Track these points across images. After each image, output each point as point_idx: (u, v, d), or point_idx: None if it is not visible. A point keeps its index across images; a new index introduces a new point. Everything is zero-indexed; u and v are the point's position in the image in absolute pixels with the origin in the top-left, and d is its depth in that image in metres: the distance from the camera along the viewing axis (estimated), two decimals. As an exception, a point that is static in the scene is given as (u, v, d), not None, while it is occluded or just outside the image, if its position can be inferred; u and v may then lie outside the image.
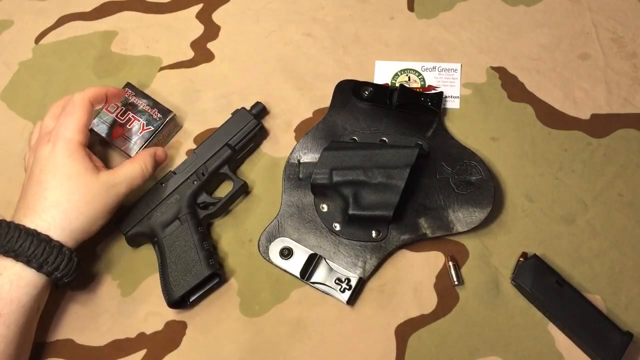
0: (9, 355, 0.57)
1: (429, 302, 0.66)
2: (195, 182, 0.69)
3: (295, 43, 0.80)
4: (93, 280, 0.69)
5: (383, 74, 0.78)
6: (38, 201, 0.60)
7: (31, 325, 0.61)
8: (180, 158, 0.74)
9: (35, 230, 0.58)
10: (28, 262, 0.57)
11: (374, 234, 0.67)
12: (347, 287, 0.65)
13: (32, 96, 0.80)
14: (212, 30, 0.82)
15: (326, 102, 0.75)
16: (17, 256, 0.57)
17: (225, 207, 0.70)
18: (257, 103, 0.75)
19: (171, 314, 0.67)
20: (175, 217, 0.68)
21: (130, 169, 0.64)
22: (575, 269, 0.66)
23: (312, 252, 0.67)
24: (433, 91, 0.75)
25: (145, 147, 0.72)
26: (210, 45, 0.81)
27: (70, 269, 0.60)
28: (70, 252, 0.60)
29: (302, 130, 0.74)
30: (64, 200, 0.60)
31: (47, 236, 0.58)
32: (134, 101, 0.74)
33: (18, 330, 0.58)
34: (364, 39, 0.80)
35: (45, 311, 0.66)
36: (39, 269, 0.58)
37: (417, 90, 0.76)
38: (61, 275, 0.59)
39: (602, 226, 0.68)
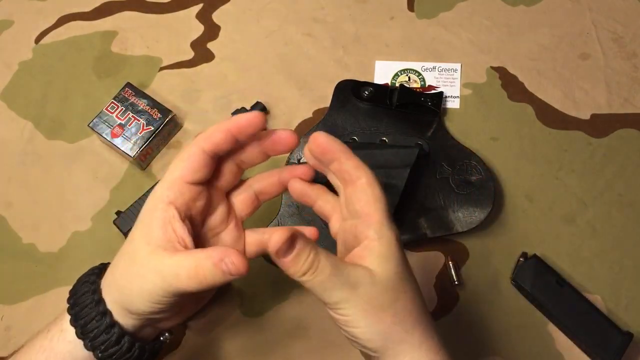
0: None
1: (429, 302, 0.66)
2: (195, 182, 0.69)
3: (295, 43, 0.80)
4: (93, 280, 0.69)
5: (383, 74, 0.78)
6: (114, 260, 0.48)
7: None
8: (180, 158, 0.74)
9: (105, 308, 0.46)
10: (82, 337, 0.46)
11: (374, 234, 0.67)
12: (347, 287, 0.65)
13: (32, 96, 0.80)
14: (212, 30, 0.82)
15: (326, 102, 0.75)
16: (75, 321, 0.46)
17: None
18: (257, 103, 0.75)
19: (171, 314, 0.67)
20: (175, 217, 0.68)
21: (182, 262, 0.43)
22: (575, 269, 0.66)
23: (312, 252, 0.67)
24: (433, 91, 0.75)
25: (145, 147, 0.72)
26: (210, 45, 0.81)
27: (125, 358, 0.47)
28: (131, 343, 0.46)
29: (302, 130, 0.74)
30: (115, 265, 0.47)
31: (112, 319, 0.46)
32: (134, 101, 0.74)
33: None
34: (364, 39, 0.80)
35: (46, 311, 0.66)
36: (90, 349, 0.46)
37: (417, 90, 0.76)
38: (104, 356, 0.47)
39: (602, 226, 0.68)
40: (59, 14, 0.85)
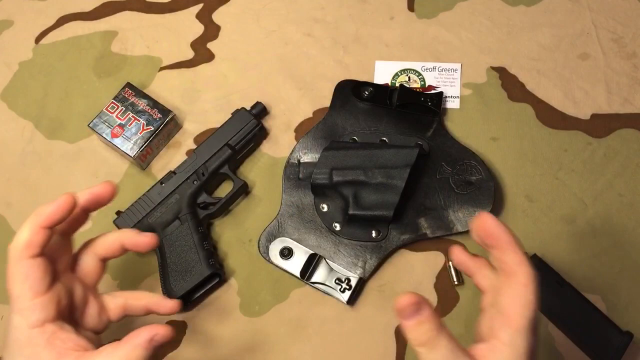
0: None
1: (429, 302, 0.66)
2: (195, 182, 0.69)
3: (295, 43, 0.80)
4: (93, 280, 0.69)
5: (383, 74, 0.78)
6: None
7: None
8: (180, 158, 0.74)
9: None
10: None
11: (374, 234, 0.67)
12: (347, 287, 0.65)
13: (32, 96, 0.80)
14: (212, 30, 0.82)
15: (326, 102, 0.75)
16: None
17: (225, 207, 0.70)
18: (257, 103, 0.75)
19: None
20: (175, 217, 0.68)
21: None
22: (575, 269, 0.66)
23: (312, 252, 0.67)
24: (433, 91, 0.75)
25: (145, 147, 0.72)
26: (210, 45, 0.81)
27: None
28: None
29: (302, 130, 0.74)
30: None
31: None
32: (134, 101, 0.74)
33: None
34: (364, 39, 0.80)
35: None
36: None
37: (417, 90, 0.76)
38: None
39: (602, 226, 0.68)
40: (59, 14, 0.85)
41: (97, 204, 0.47)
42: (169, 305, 0.50)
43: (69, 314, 0.45)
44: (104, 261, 0.50)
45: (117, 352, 0.41)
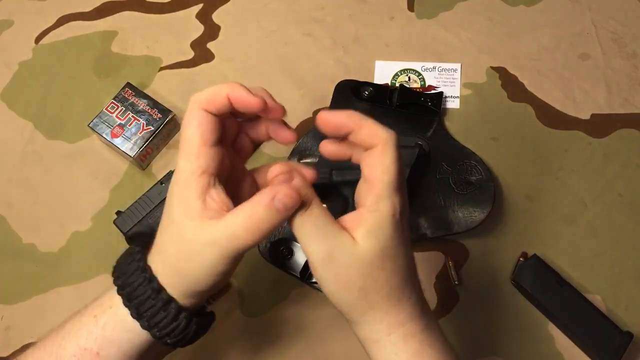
0: None
1: (429, 302, 0.65)
2: (195, 182, 0.69)
3: (295, 43, 0.80)
4: (93, 280, 0.69)
5: (383, 74, 0.78)
6: (156, 238, 0.46)
7: None
8: (180, 158, 0.74)
9: (159, 285, 0.43)
10: (138, 317, 0.44)
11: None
12: (347, 287, 0.65)
13: (32, 96, 0.80)
14: (212, 30, 0.82)
15: (326, 102, 0.75)
16: (129, 302, 0.44)
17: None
18: (257, 103, 0.74)
19: (171, 314, 0.67)
20: (175, 217, 0.68)
21: (234, 220, 0.41)
22: (575, 269, 0.66)
23: (312, 252, 0.67)
24: (433, 91, 0.75)
25: (145, 147, 0.72)
26: (210, 45, 0.81)
27: (182, 335, 0.46)
28: (189, 319, 0.45)
29: (302, 130, 0.74)
30: (163, 250, 0.45)
31: (168, 295, 0.43)
32: (134, 101, 0.74)
33: None
34: (364, 39, 0.80)
35: (46, 311, 0.66)
36: (147, 328, 0.44)
37: (417, 90, 0.76)
38: (171, 341, 0.45)
39: (602, 226, 0.68)
40: (59, 14, 0.85)
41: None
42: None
43: (226, 180, 0.46)
44: (253, 142, 0.51)
45: (239, 211, 0.41)
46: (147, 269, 0.44)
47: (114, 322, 0.45)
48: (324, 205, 0.42)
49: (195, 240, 0.42)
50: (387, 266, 0.42)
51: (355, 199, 0.46)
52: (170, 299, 0.43)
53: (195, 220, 0.42)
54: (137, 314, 0.43)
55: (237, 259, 0.42)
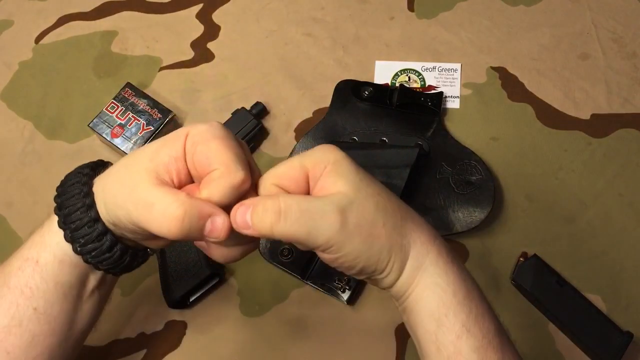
0: (55, 321, 0.45)
1: (429, 302, 0.66)
2: (195, 182, 0.69)
3: (295, 43, 0.80)
4: (93, 280, 0.69)
5: (383, 74, 0.78)
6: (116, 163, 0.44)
7: (78, 302, 0.46)
8: (180, 158, 0.74)
9: (96, 214, 0.42)
10: (72, 241, 0.43)
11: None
12: (347, 287, 0.65)
13: (32, 96, 0.80)
14: (212, 30, 0.82)
15: (326, 102, 0.75)
16: (65, 224, 0.43)
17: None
18: (257, 103, 0.75)
19: (171, 314, 0.67)
20: (175, 217, 0.68)
21: (165, 195, 0.39)
22: (575, 269, 0.66)
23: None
24: (433, 91, 0.75)
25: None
26: (210, 45, 0.81)
27: (114, 264, 0.44)
28: (123, 251, 0.44)
29: (302, 130, 0.74)
30: (110, 179, 0.43)
31: (104, 227, 0.42)
32: (134, 101, 0.74)
33: (58, 290, 0.44)
34: (364, 39, 0.80)
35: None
36: (79, 253, 0.43)
37: (417, 90, 0.76)
38: (103, 268, 0.45)
39: (602, 226, 0.68)
40: (59, 14, 0.85)
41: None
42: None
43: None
44: None
45: (177, 195, 0.39)
46: (89, 194, 0.43)
47: (52, 232, 0.44)
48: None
49: (133, 174, 0.40)
50: (384, 196, 0.41)
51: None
52: (106, 230, 0.42)
53: (151, 163, 0.40)
54: (71, 238, 0.43)
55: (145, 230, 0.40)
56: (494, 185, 0.67)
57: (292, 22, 0.82)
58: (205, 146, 0.40)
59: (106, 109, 0.74)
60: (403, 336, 0.64)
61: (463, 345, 0.41)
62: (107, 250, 0.43)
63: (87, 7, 0.85)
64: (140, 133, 0.72)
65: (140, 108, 0.74)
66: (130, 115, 0.73)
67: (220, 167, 0.39)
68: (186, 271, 0.65)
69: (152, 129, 0.73)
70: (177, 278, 0.65)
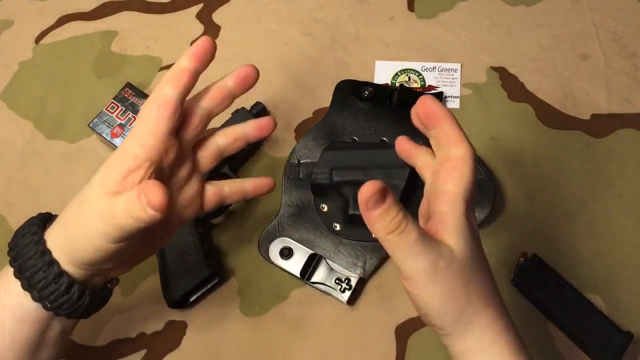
0: None
1: (429, 302, 0.66)
2: (195, 182, 0.69)
3: (295, 43, 0.80)
4: (93, 280, 0.69)
5: (383, 74, 0.78)
6: (67, 206, 0.46)
7: (36, 353, 0.47)
8: (180, 158, 0.74)
9: (51, 258, 0.44)
10: (29, 289, 0.44)
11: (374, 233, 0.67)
12: (347, 287, 0.65)
13: (32, 96, 0.80)
14: (212, 30, 0.82)
15: (326, 102, 0.75)
16: (20, 274, 0.44)
17: (225, 207, 0.70)
18: (257, 103, 0.75)
19: (171, 314, 0.67)
20: (175, 217, 0.68)
21: (119, 199, 0.41)
22: (575, 269, 0.66)
23: (312, 252, 0.67)
24: (433, 91, 0.75)
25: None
26: (210, 45, 0.81)
27: (75, 307, 0.45)
28: (81, 291, 0.45)
29: (302, 130, 0.74)
30: (64, 216, 0.46)
31: (60, 268, 0.44)
32: (134, 101, 0.74)
33: (15, 348, 0.45)
34: (364, 39, 0.80)
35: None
36: (38, 300, 0.44)
37: (417, 90, 0.76)
38: (63, 313, 0.45)
39: (602, 226, 0.68)
40: (59, 14, 0.85)
41: (244, 87, 0.50)
42: (267, 183, 0.55)
43: (167, 178, 0.47)
44: (222, 153, 0.52)
45: (126, 194, 0.41)
46: (41, 242, 0.44)
47: (7, 286, 0.45)
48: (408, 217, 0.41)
49: (90, 207, 0.42)
50: (481, 268, 0.43)
51: (421, 210, 0.47)
52: (62, 272, 0.44)
53: (103, 188, 0.43)
54: (28, 285, 0.44)
55: (119, 240, 0.41)
56: (494, 185, 0.67)
57: (292, 22, 0.82)
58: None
59: (106, 109, 0.74)
60: (403, 336, 0.64)
61: None
62: (65, 292, 0.44)
63: (87, 7, 0.85)
64: (140, 133, 0.72)
65: (140, 108, 0.74)
66: (130, 115, 0.73)
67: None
68: (186, 271, 0.65)
69: (152, 129, 0.72)
70: (177, 278, 0.65)
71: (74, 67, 0.81)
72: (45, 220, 0.47)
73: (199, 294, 0.66)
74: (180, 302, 0.66)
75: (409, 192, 0.66)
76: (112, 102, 0.74)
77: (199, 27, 0.83)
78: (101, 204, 0.42)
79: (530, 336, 0.64)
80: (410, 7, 0.82)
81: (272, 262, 0.67)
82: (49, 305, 0.44)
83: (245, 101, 0.75)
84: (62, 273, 0.44)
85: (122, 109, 0.74)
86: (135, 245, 0.45)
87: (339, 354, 0.64)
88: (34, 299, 0.44)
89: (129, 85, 0.75)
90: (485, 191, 0.67)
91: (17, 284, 0.44)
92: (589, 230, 0.68)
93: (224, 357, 0.65)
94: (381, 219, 0.39)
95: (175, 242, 0.66)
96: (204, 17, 0.83)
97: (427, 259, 0.40)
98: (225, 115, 0.73)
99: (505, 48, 0.78)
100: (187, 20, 0.83)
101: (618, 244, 0.67)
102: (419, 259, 0.40)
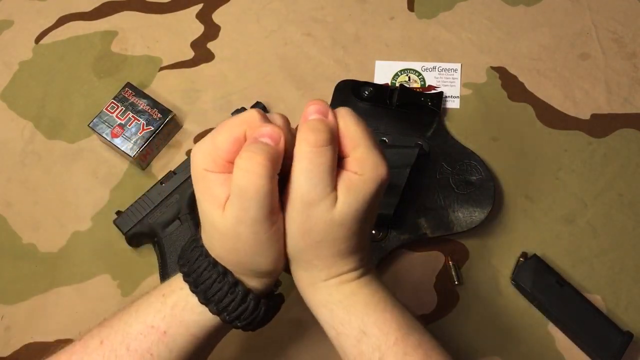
0: None
1: (429, 302, 0.66)
2: (195, 182, 0.69)
3: (295, 43, 0.80)
4: (93, 280, 0.69)
5: (383, 74, 0.78)
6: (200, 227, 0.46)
7: None
8: (180, 158, 0.74)
9: (224, 268, 0.43)
10: (206, 302, 0.44)
11: (374, 233, 0.67)
12: (347, 287, 0.65)
13: (32, 96, 0.80)
14: (212, 30, 0.82)
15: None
16: (196, 287, 0.44)
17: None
18: (257, 103, 0.75)
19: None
20: (176, 217, 0.68)
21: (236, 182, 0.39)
22: (575, 269, 0.66)
23: (312, 252, 0.67)
24: (433, 91, 0.75)
25: (145, 147, 0.72)
26: (210, 45, 0.81)
27: (252, 317, 0.45)
28: (257, 300, 0.45)
29: (302, 130, 0.74)
30: (208, 238, 0.44)
31: (234, 277, 0.43)
32: (134, 101, 0.74)
33: (184, 358, 0.45)
34: (364, 39, 0.80)
35: (46, 311, 0.66)
36: (217, 313, 0.44)
37: (417, 90, 0.76)
38: (241, 324, 0.45)
39: (602, 226, 0.68)
40: (59, 14, 0.85)
41: None
42: None
43: None
44: None
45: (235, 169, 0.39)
46: (209, 255, 0.43)
47: (184, 303, 0.44)
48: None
49: (224, 225, 0.40)
50: (352, 227, 0.42)
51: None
52: (237, 281, 0.43)
53: (220, 208, 0.40)
54: (205, 299, 0.43)
55: (267, 231, 0.40)
56: (494, 185, 0.67)
57: (292, 22, 0.82)
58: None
59: (106, 109, 0.74)
60: (403, 336, 0.64)
61: (363, 346, 0.44)
62: (241, 301, 0.44)
63: (87, 7, 0.85)
64: (140, 133, 0.72)
65: (140, 108, 0.74)
66: (130, 115, 0.73)
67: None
68: (186, 271, 0.65)
69: (152, 129, 0.73)
70: (177, 278, 0.65)
71: (74, 67, 0.81)
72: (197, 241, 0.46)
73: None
74: (180, 302, 0.65)
75: (409, 190, 0.66)
76: (112, 102, 0.74)
77: (199, 27, 0.83)
78: (228, 218, 0.40)
79: (530, 336, 0.64)
80: (410, 7, 0.82)
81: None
82: (227, 317, 0.44)
83: (246, 101, 0.75)
84: (237, 282, 0.43)
85: (122, 109, 0.74)
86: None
87: (339, 354, 0.64)
88: (212, 311, 0.43)
89: (129, 85, 0.75)
90: (485, 191, 0.67)
91: (193, 299, 0.44)
92: (589, 230, 0.68)
93: (224, 357, 0.65)
94: (318, 126, 0.40)
95: (175, 241, 0.66)
96: (204, 17, 0.83)
97: (312, 193, 0.39)
98: (226, 115, 0.74)
99: (505, 48, 0.78)
100: (187, 20, 0.83)
101: (618, 244, 0.67)
102: (315, 185, 0.39)
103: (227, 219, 0.40)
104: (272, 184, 0.38)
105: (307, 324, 0.66)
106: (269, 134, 0.39)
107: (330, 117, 0.41)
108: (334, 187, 0.40)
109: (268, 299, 0.46)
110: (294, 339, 0.65)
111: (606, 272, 0.66)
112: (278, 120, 0.42)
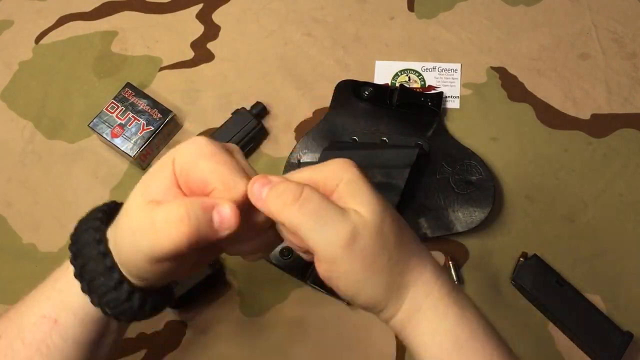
0: None
1: (429, 302, 0.66)
2: (195, 182, 0.69)
3: (295, 43, 0.80)
4: (93, 280, 0.69)
5: (383, 74, 0.78)
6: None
7: (96, 353, 0.44)
8: (180, 158, 0.74)
9: (111, 261, 0.40)
10: (89, 292, 0.41)
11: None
12: (347, 287, 0.65)
13: (32, 96, 0.80)
14: (212, 30, 0.82)
15: (326, 102, 0.75)
16: (80, 275, 0.41)
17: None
18: (257, 103, 0.75)
19: (171, 314, 0.67)
20: (175, 217, 0.68)
21: (172, 207, 0.36)
22: (575, 269, 0.66)
23: (312, 252, 0.67)
24: (433, 91, 0.75)
25: (145, 147, 0.72)
26: (210, 45, 0.81)
27: (133, 314, 0.42)
28: (142, 299, 0.41)
29: (302, 130, 0.74)
30: (118, 230, 0.40)
31: (120, 275, 0.40)
32: (134, 101, 0.74)
33: (78, 348, 0.43)
34: (364, 39, 0.80)
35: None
36: (97, 305, 0.41)
37: (417, 90, 0.76)
38: (125, 318, 0.42)
39: (602, 226, 0.68)
40: (59, 14, 0.85)
41: None
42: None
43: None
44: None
45: (182, 205, 0.36)
46: (102, 241, 0.40)
47: (69, 287, 0.42)
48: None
49: (142, 219, 0.37)
50: (395, 227, 0.39)
51: None
52: (123, 280, 0.40)
53: (142, 197, 0.38)
54: (88, 289, 0.40)
55: (162, 260, 0.37)
56: (494, 185, 0.67)
57: (292, 22, 0.82)
58: (196, 168, 0.37)
59: (106, 109, 0.74)
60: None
61: None
62: (126, 300, 0.41)
63: (87, 7, 0.85)
64: (140, 133, 0.72)
65: (140, 108, 0.74)
66: (130, 115, 0.73)
67: (218, 186, 0.37)
68: (186, 271, 0.65)
69: (152, 129, 0.73)
70: (177, 278, 0.65)
71: (74, 67, 0.81)
72: (111, 210, 0.42)
73: (199, 294, 0.66)
74: (181, 302, 0.65)
75: (409, 190, 0.66)
76: (112, 102, 0.74)
77: (199, 27, 0.83)
78: (140, 211, 0.38)
79: (530, 336, 0.64)
80: (410, 7, 0.82)
81: (271, 262, 0.67)
82: (109, 312, 0.41)
83: (246, 101, 0.75)
84: (123, 281, 0.40)
85: (122, 109, 0.74)
86: (187, 261, 0.40)
87: (339, 354, 0.64)
88: (94, 304, 0.41)
89: (129, 85, 0.75)
90: (485, 191, 0.67)
91: (77, 285, 0.41)
92: (589, 230, 0.68)
93: (224, 357, 0.65)
94: (274, 195, 0.36)
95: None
96: (204, 17, 0.83)
97: (337, 228, 0.36)
98: (226, 115, 0.74)
99: (505, 48, 0.78)
100: (187, 20, 0.83)
101: (618, 244, 0.67)
102: (328, 229, 0.36)
103: (143, 216, 0.37)
104: (188, 247, 0.36)
105: (307, 324, 0.66)
106: (227, 218, 0.36)
107: (261, 179, 0.37)
108: (342, 209, 0.37)
109: (156, 293, 0.43)
110: (294, 339, 0.65)
111: (606, 272, 0.66)
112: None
